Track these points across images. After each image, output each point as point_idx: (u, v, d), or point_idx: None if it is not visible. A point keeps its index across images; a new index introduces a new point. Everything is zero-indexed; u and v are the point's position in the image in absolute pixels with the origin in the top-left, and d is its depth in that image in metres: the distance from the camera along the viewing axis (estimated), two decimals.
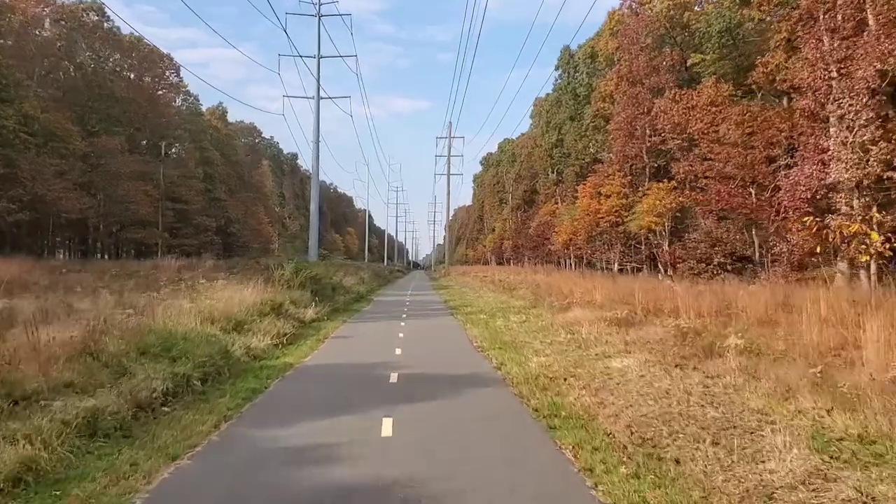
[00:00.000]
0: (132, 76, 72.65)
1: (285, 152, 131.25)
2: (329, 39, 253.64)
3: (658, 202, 42.24)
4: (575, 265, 64.82)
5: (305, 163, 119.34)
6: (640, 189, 49.45)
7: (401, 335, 20.56)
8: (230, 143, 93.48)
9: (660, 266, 44.06)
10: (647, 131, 48.15)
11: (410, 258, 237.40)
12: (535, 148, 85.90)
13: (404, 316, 27.80)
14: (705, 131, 41.27)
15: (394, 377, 12.98)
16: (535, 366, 14.29)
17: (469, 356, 16.37)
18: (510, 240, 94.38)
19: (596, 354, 15.21)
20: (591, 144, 62.66)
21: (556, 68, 72.29)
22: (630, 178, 50.49)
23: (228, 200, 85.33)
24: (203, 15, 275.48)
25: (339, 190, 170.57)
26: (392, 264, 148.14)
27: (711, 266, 33.94)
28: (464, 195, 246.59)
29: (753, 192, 36.47)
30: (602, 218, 51.48)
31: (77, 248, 73.61)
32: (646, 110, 48.69)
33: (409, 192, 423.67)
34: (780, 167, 31.57)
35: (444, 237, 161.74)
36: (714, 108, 41.59)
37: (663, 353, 14.37)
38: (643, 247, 49.72)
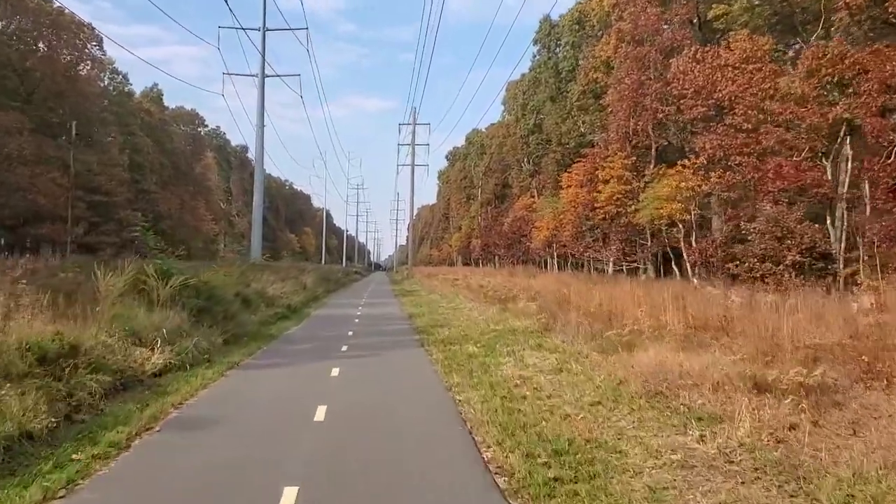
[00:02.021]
0: (42, 45, 60.20)
1: (233, 144, 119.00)
2: (281, 14, 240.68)
3: (682, 185, 31.80)
4: (559, 265, 54.24)
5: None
6: (646, 172, 39.18)
7: (318, 415, 9.37)
8: (165, 129, 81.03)
9: (687, 266, 33.63)
10: (655, 101, 37.80)
11: (372, 259, 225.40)
12: (507, 137, 75.36)
13: (344, 349, 16.78)
14: (740, 95, 31.23)
15: None
16: None
17: None
18: (479, 238, 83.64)
19: None
20: (578, 125, 52.23)
21: (534, 42, 61.74)
22: (634, 159, 40.07)
23: (160, 193, 73.27)
24: (161, 11, 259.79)
25: (296, 187, 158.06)
26: (352, 265, 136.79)
27: (782, 267, 23.51)
28: (427, 194, 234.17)
29: (829, 164, 26.23)
30: (600, 208, 40.98)
31: None
32: (655, 75, 38.46)
33: (371, 192, 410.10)
34: None
35: (407, 237, 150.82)
36: (751, 66, 31.58)
37: None
38: (649, 243, 39.38)
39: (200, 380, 12.06)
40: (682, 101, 34.38)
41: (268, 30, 62.79)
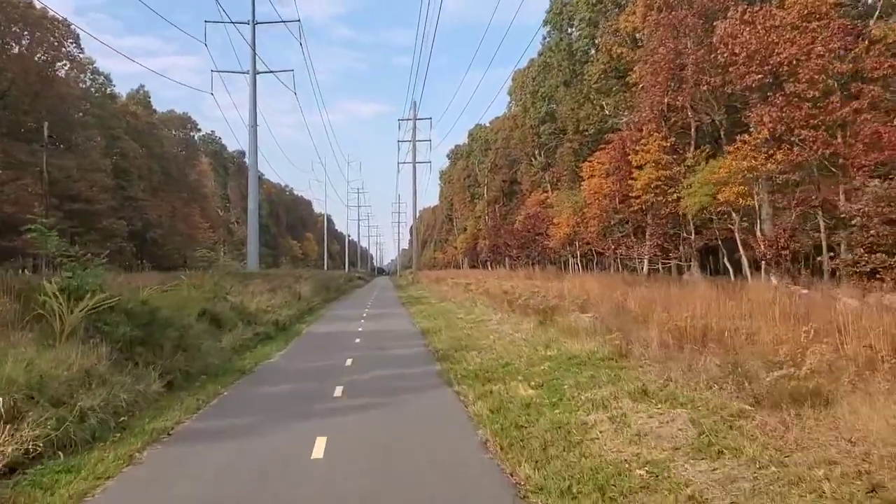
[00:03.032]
0: (12, 42, 54.82)
1: (230, 150, 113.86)
2: (276, 12, 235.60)
3: (744, 164, 26.46)
4: (583, 265, 48.87)
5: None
6: (687, 155, 34.04)
7: None
8: (153, 133, 75.73)
9: (744, 262, 28.34)
10: (697, 72, 32.59)
11: (375, 264, 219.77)
12: (515, 129, 70.15)
13: (338, 393, 11.40)
14: (803, 57, 26.19)
15: None
16: None
17: None
18: (487, 239, 78.33)
19: None
20: (598, 110, 46.99)
21: (545, 23, 56.45)
22: (673, 140, 34.82)
23: (149, 200, 68.05)
24: (159, 22, 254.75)
25: (296, 192, 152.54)
26: (355, 270, 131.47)
27: None
28: (430, 196, 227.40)
29: None
30: (634, 198, 35.74)
31: None
32: (695, 43, 33.24)
33: (371, 197, 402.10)
34: None
35: (410, 241, 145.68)
36: (815, 24, 26.63)
37: None
38: (693, 236, 34.12)
39: (81, 481, 6.78)
40: (731, 70, 29.24)
41: (257, 23, 57.85)
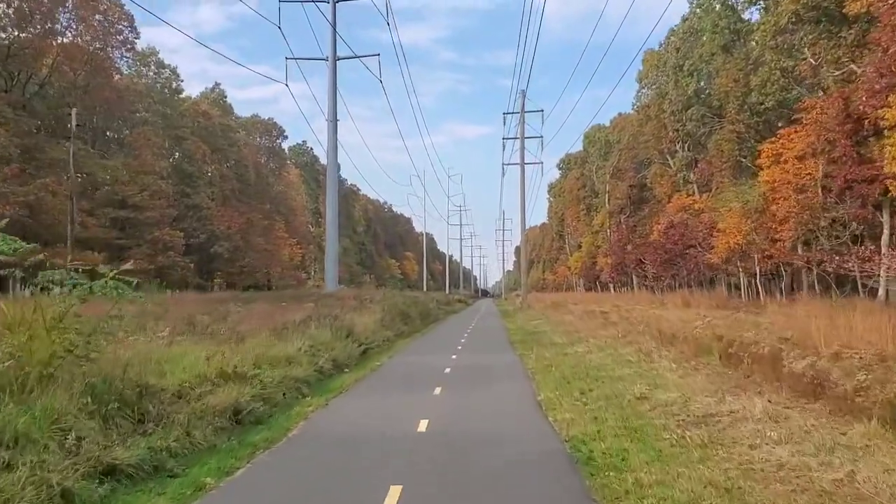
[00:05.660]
0: (36, 16, 45.48)
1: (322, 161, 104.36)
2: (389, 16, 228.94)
3: None
4: (763, 286, 34.50)
5: (349, 174, 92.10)
6: None
7: None
8: (228, 136, 65.90)
9: None
10: None
11: (479, 285, 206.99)
12: (645, 123, 56.30)
13: None
14: None
15: None
16: None
17: None
18: (609, 256, 64.32)
19: None
20: (780, 73, 33.19)
21: None
22: None
23: (219, 210, 58.03)
24: (272, 51, 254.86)
25: (395, 209, 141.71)
26: (456, 292, 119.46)
27: None
28: (537, 211, 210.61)
29: None
30: (879, 181, 22.01)
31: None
32: None
33: (475, 215, 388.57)
34: None
35: (514, 262, 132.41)
36: None
37: None
38: None
39: None
40: None
41: (338, 0, 47.43)
